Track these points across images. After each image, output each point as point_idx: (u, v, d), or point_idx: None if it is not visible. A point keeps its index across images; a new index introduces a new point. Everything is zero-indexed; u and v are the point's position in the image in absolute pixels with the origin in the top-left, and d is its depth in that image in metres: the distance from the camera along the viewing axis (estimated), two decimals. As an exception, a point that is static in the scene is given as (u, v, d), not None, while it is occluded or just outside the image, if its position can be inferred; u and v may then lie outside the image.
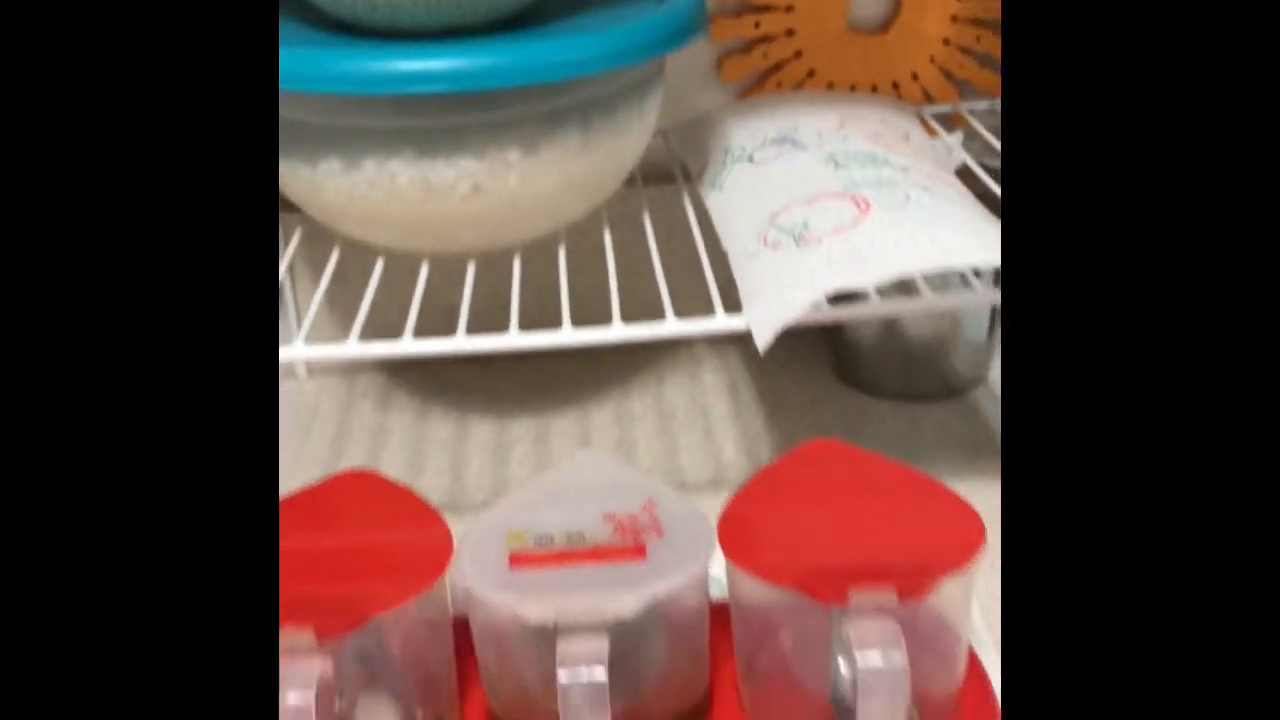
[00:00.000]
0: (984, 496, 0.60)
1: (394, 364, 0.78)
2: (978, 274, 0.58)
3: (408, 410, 0.73)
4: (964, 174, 0.63)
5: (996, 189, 0.61)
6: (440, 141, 0.50)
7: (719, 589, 0.46)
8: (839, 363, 0.75)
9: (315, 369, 0.78)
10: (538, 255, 0.62)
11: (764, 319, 0.48)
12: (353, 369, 0.78)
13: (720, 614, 0.46)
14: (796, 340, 0.78)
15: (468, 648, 0.46)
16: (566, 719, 0.40)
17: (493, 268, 0.69)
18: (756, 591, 0.45)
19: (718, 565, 0.45)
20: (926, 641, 0.44)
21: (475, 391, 0.75)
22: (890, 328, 0.71)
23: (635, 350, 0.78)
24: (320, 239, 0.66)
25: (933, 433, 0.68)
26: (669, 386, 0.75)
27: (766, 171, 0.59)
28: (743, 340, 0.79)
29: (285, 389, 0.76)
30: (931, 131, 0.68)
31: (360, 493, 0.49)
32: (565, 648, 0.41)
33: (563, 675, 0.40)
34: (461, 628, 0.46)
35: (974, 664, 0.47)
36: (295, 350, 0.50)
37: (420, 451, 0.69)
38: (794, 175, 0.57)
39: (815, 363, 0.76)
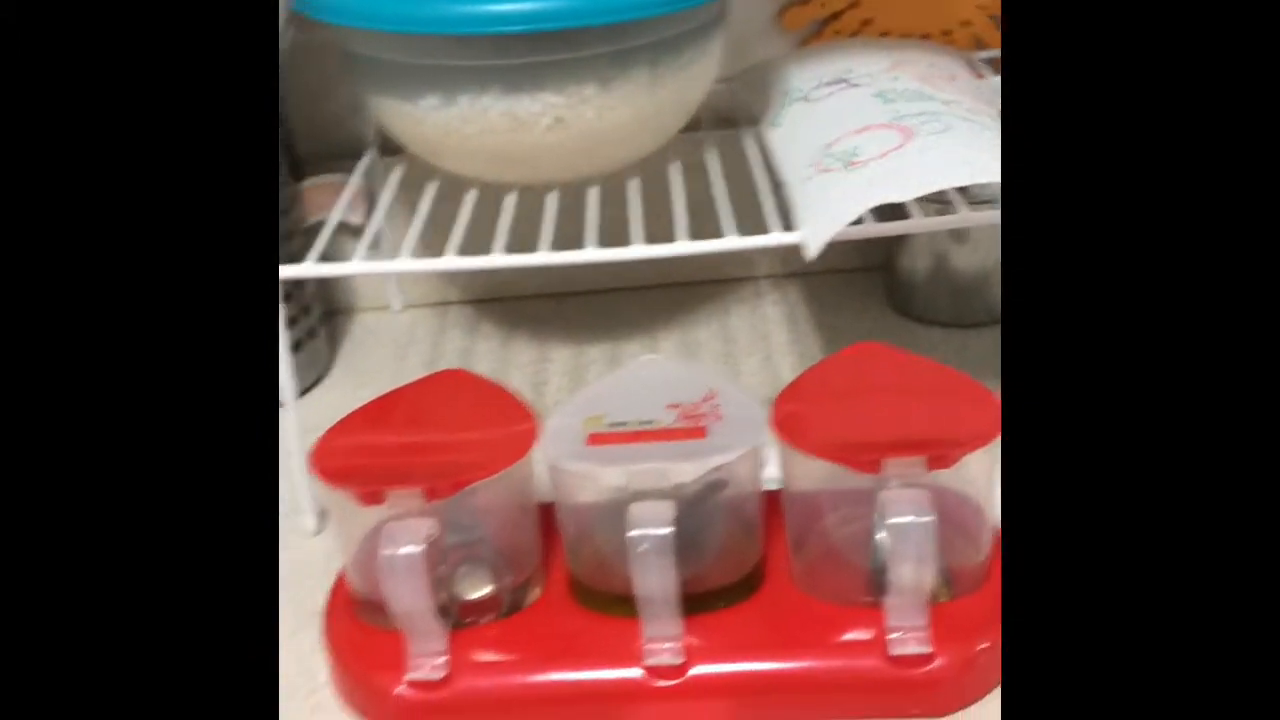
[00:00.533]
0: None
1: (480, 299, 0.85)
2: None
3: (493, 339, 0.80)
4: (1009, 112, 0.67)
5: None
6: (525, 78, 0.56)
7: (775, 485, 0.51)
8: (893, 295, 0.80)
9: (409, 302, 0.85)
10: (612, 193, 0.67)
11: (814, 232, 0.53)
12: (443, 303, 0.85)
13: (775, 502, 0.52)
14: (854, 276, 0.83)
15: (552, 527, 0.52)
16: (637, 573, 0.46)
17: (573, 206, 0.75)
18: (805, 474, 0.50)
19: (774, 466, 0.51)
20: (954, 517, 0.50)
21: (554, 322, 0.81)
22: (940, 262, 0.76)
23: (702, 285, 0.84)
24: (415, 183, 0.73)
25: (979, 356, 0.73)
26: (733, 317, 0.80)
27: (821, 108, 0.64)
28: (804, 276, 0.84)
29: (382, 320, 0.84)
30: (979, 74, 0.72)
31: (456, 387, 0.55)
32: (636, 510, 0.47)
33: (634, 534, 0.46)
34: (547, 511, 0.53)
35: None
36: (401, 264, 0.57)
37: (504, 372, 0.76)
38: (846, 110, 0.62)
39: (871, 297, 0.81)
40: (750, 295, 0.83)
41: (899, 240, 0.78)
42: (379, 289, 0.85)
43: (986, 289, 0.75)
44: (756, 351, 0.76)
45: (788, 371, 0.73)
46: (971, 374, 0.71)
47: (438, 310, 0.84)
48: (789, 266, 0.84)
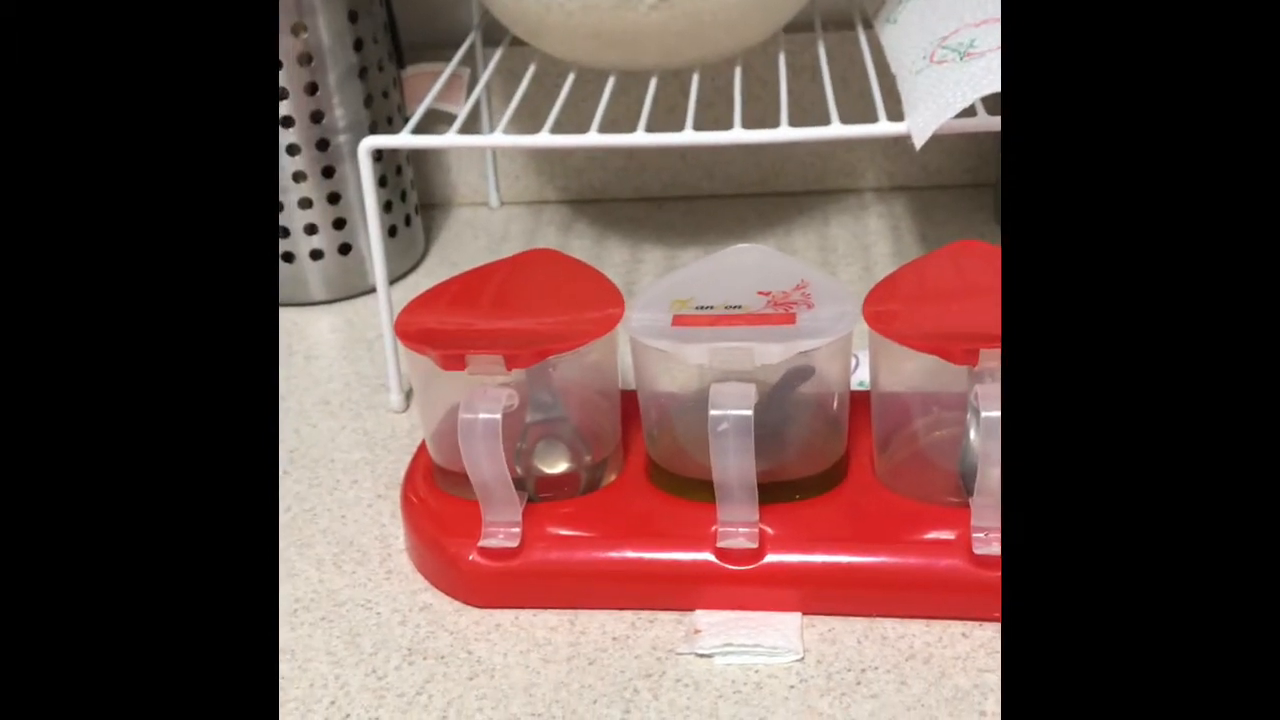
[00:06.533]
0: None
1: (577, 199, 0.84)
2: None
3: (586, 237, 0.79)
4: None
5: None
6: (631, -48, 0.54)
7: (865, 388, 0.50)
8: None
9: (506, 199, 0.84)
10: (715, 83, 0.66)
11: (922, 121, 0.51)
12: (540, 202, 0.84)
13: (864, 403, 0.51)
14: (964, 192, 0.80)
15: (634, 414, 0.52)
16: (715, 454, 0.45)
17: (673, 95, 0.74)
18: (897, 371, 0.49)
19: (865, 370, 0.49)
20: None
21: (648, 225, 0.80)
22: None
23: (804, 195, 0.82)
24: (518, 71, 0.72)
25: (1090, 277, 0.70)
26: (833, 227, 0.78)
27: (941, 3, 0.61)
28: (910, 190, 0.81)
29: (479, 215, 0.84)
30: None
31: (548, 266, 0.55)
32: (717, 390, 0.46)
33: (714, 413, 0.45)
34: (629, 397, 0.52)
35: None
36: (494, 139, 0.56)
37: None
38: (966, 4, 0.59)
39: (980, 214, 0.78)
40: (854, 206, 0.81)
41: (1013, 155, 0.75)
42: (478, 185, 0.84)
43: (1103, 208, 0.72)
44: (855, 261, 0.74)
45: (886, 282, 0.71)
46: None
47: (534, 208, 0.84)
48: (895, 180, 0.82)
